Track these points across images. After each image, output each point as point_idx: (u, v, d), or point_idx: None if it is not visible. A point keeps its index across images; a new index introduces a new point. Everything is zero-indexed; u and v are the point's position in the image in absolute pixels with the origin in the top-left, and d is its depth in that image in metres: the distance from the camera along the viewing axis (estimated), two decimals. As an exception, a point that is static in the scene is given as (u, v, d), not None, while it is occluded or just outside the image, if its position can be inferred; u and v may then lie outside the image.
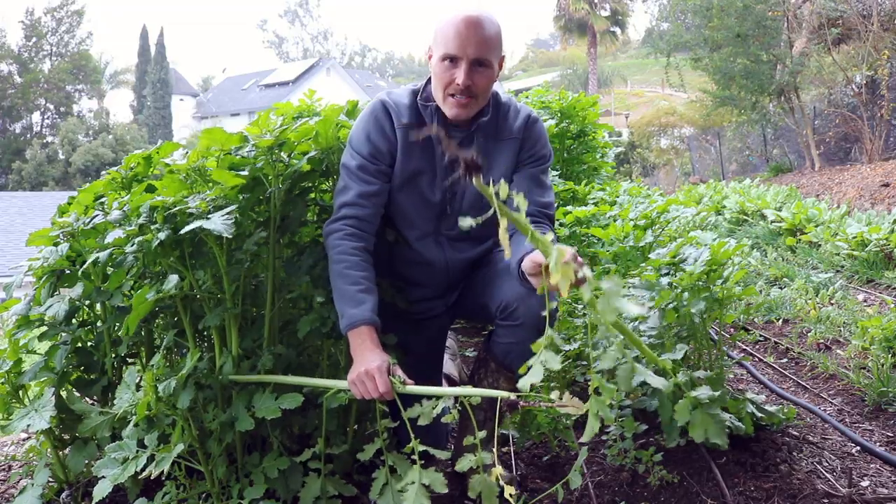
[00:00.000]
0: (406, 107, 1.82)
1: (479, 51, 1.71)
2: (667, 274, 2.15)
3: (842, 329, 3.41)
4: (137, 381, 1.63)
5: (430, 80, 1.84)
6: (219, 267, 1.67)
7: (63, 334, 1.82)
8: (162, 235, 1.54)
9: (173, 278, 1.56)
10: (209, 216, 1.53)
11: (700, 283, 1.98)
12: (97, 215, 1.78)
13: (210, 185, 1.72)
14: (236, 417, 1.61)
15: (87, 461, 1.83)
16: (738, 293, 2.02)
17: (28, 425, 1.70)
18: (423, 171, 1.82)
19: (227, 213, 1.53)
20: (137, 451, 1.58)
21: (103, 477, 1.55)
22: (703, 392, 1.24)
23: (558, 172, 4.35)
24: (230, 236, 1.49)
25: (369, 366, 1.56)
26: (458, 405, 2.06)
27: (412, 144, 1.80)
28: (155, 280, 1.74)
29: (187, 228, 1.50)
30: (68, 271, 1.80)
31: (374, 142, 1.79)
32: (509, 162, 1.85)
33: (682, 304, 1.98)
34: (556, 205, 1.96)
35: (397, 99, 1.84)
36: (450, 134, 1.82)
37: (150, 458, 1.57)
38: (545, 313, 1.49)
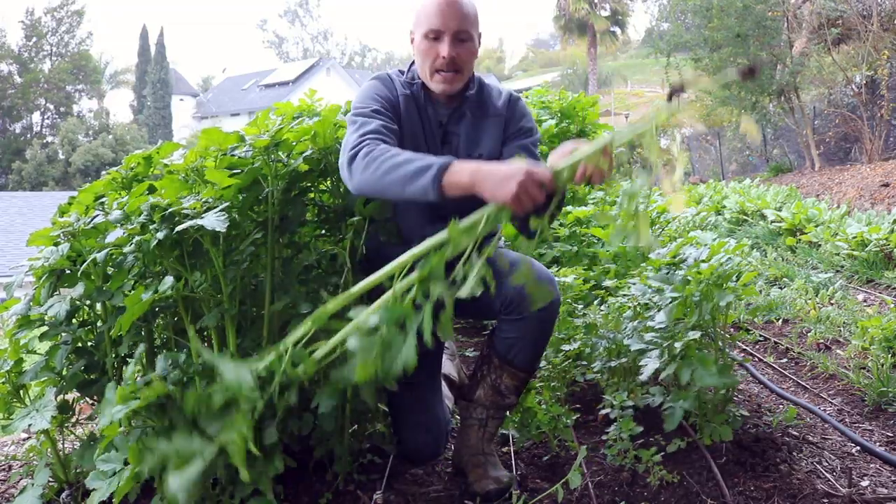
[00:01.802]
0: (404, 83, 1.90)
1: (460, 24, 1.79)
2: (667, 274, 2.15)
3: (842, 329, 3.41)
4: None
5: (412, 64, 1.93)
6: (216, 267, 1.67)
7: (64, 334, 1.82)
8: (160, 235, 1.55)
9: (168, 280, 1.57)
10: (203, 215, 1.54)
11: (711, 280, 1.98)
12: (97, 215, 1.78)
13: (208, 185, 1.73)
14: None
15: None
16: (740, 294, 2.03)
17: (29, 425, 1.70)
18: (417, 147, 1.84)
19: (221, 211, 1.55)
20: (125, 463, 1.54)
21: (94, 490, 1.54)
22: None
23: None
24: (223, 230, 1.49)
25: (518, 171, 1.38)
26: (459, 403, 2.06)
27: (407, 117, 1.87)
28: (155, 280, 1.74)
29: (181, 227, 1.52)
30: (69, 271, 1.80)
31: (384, 98, 1.84)
32: (496, 138, 1.91)
33: (694, 298, 1.99)
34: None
35: (396, 76, 1.93)
36: (437, 111, 1.90)
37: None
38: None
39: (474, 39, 1.85)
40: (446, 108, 1.90)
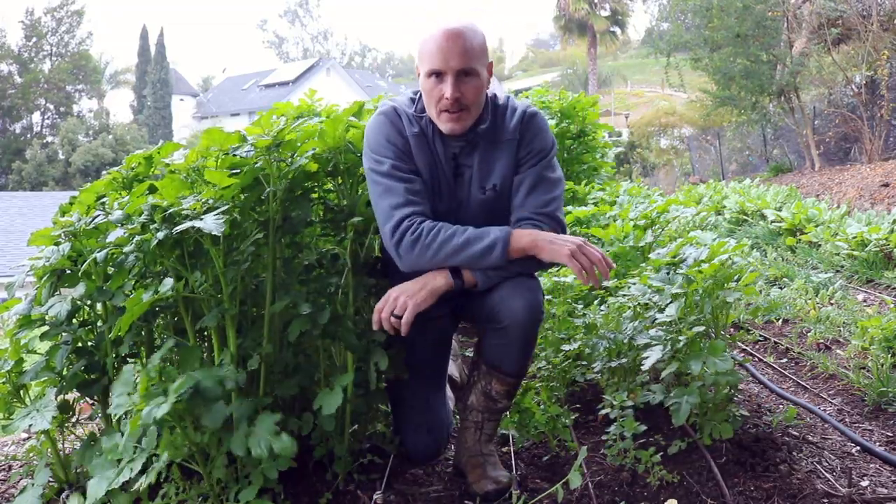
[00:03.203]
0: (412, 116, 1.85)
1: (462, 61, 1.72)
2: (668, 274, 2.15)
3: (842, 329, 3.41)
4: (135, 380, 1.62)
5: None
6: (217, 267, 1.67)
7: (64, 334, 1.82)
8: (160, 235, 1.55)
9: (168, 281, 1.57)
10: (202, 217, 1.54)
11: (714, 279, 1.99)
12: (98, 215, 1.78)
13: (208, 185, 1.72)
14: (234, 427, 1.60)
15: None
16: (742, 295, 2.03)
17: (30, 425, 1.70)
18: (430, 181, 1.85)
19: (220, 213, 1.54)
20: (134, 452, 1.57)
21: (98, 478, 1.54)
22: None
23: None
24: (219, 234, 1.49)
25: (577, 240, 1.71)
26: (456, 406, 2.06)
27: (419, 153, 1.83)
28: (156, 280, 1.74)
29: (179, 228, 1.51)
30: (69, 271, 1.81)
31: (394, 143, 1.80)
32: (509, 163, 1.86)
33: (695, 298, 1.99)
34: (563, 195, 1.96)
35: (404, 107, 1.87)
36: (448, 143, 1.84)
37: (149, 460, 1.56)
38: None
39: (480, 74, 1.77)
40: (458, 140, 1.84)
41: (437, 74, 1.74)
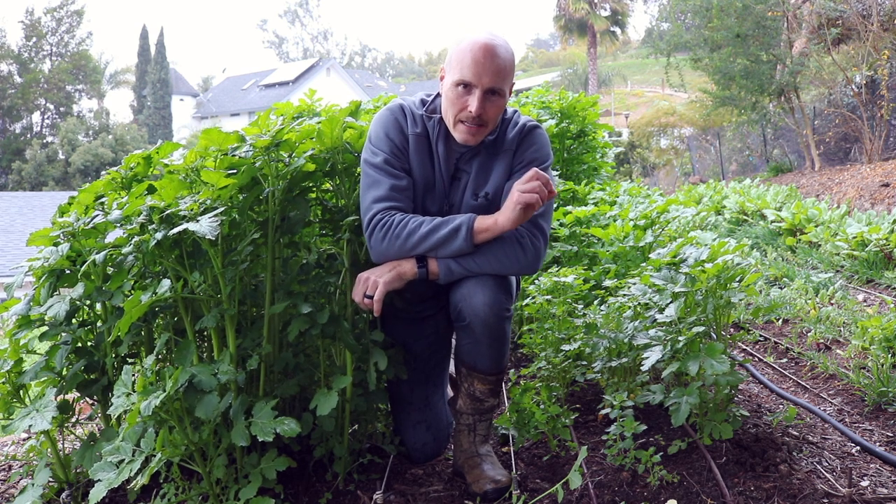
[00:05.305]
0: (418, 116, 1.87)
1: (493, 80, 1.75)
2: (670, 273, 2.14)
3: (842, 329, 3.41)
4: (133, 381, 1.63)
5: (438, 94, 1.89)
6: (215, 268, 1.67)
7: (63, 334, 1.82)
8: (159, 236, 1.55)
9: (166, 282, 1.57)
10: (198, 218, 1.54)
11: (716, 280, 1.98)
12: (97, 215, 1.78)
13: (206, 185, 1.72)
14: (233, 425, 1.60)
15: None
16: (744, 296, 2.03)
17: (30, 425, 1.69)
18: (425, 181, 1.87)
19: (215, 215, 1.54)
20: (133, 454, 1.57)
21: (99, 480, 1.54)
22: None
23: (558, 172, 4.35)
24: (213, 238, 1.49)
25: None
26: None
27: (416, 153, 1.86)
28: (155, 280, 1.74)
29: (174, 231, 1.52)
30: (68, 271, 1.80)
31: (393, 139, 1.84)
32: (503, 172, 1.89)
33: (698, 298, 1.99)
34: (554, 204, 1.96)
35: (412, 106, 1.90)
36: (451, 147, 1.87)
37: (147, 461, 1.56)
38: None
39: (505, 95, 1.80)
40: (462, 146, 1.87)
41: (466, 86, 1.76)
